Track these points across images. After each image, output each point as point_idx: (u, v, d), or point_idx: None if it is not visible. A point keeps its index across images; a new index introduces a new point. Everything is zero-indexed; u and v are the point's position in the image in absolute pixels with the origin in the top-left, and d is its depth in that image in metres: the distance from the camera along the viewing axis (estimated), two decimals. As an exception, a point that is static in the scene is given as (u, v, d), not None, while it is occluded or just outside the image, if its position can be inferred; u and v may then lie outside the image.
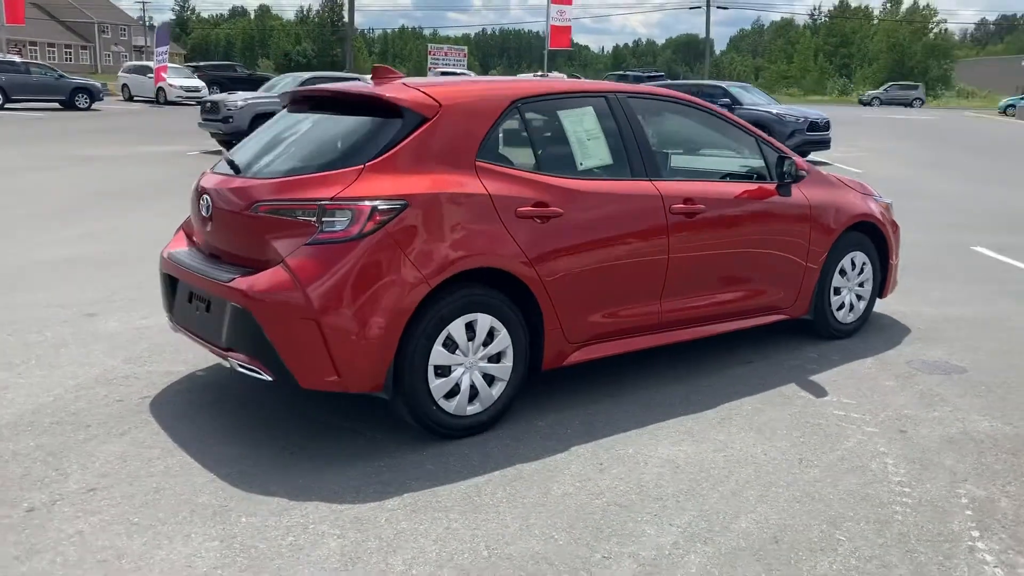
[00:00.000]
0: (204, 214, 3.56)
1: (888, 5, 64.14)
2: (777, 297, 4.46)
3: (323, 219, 3.17)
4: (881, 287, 5.02)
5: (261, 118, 12.40)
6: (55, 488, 2.94)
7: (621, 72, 41.13)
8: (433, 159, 3.31)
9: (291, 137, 3.75)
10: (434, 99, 3.42)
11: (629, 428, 3.55)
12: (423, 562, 2.53)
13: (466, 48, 38.31)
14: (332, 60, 77.24)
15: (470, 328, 3.30)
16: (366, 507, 2.85)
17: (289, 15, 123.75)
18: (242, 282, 3.22)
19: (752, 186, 4.32)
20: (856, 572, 2.52)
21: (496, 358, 3.40)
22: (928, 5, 58.05)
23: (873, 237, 4.87)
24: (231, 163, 3.67)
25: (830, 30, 72.99)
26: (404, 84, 3.65)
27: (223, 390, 3.92)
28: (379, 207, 3.14)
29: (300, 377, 3.18)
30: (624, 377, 4.13)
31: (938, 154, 18.73)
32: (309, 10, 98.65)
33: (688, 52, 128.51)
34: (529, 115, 3.69)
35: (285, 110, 4.00)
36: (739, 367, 4.34)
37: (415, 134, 3.34)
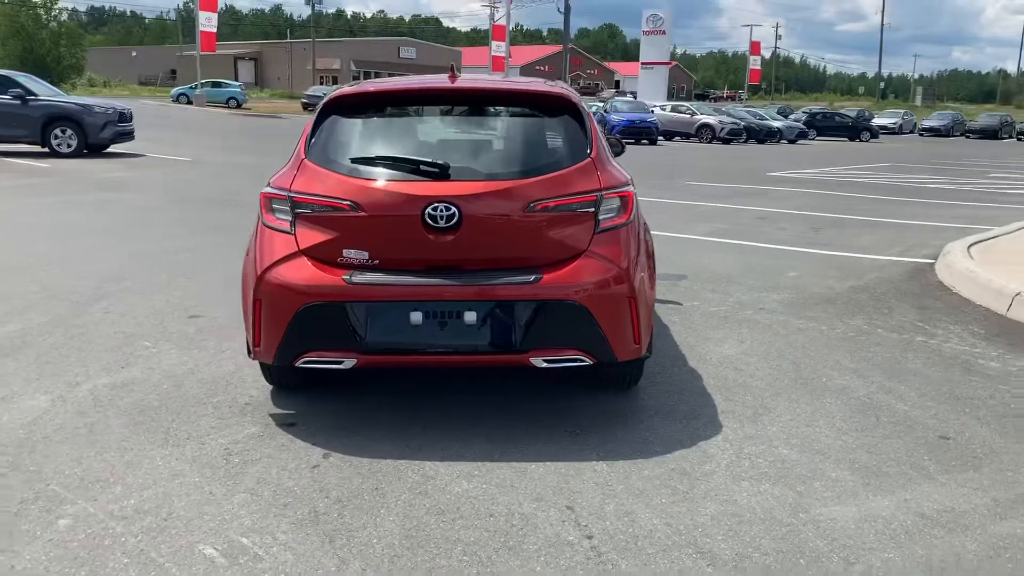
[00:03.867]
0: (441, 224, 3.49)
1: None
2: None
3: (600, 209, 3.64)
4: None
5: None
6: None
7: None
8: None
9: (464, 136, 3.99)
10: (574, 94, 4.03)
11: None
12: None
13: None
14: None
15: None
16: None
17: None
18: (562, 279, 3.50)
19: None
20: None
21: None
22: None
23: None
24: (430, 171, 3.58)
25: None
26: (543, 82, 4.22)
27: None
28: (633, 191, 3.81)
29: (618, 352, 3.60)
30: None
31: (212, 140, 21.36)
32: None
33: None
34: None
35: (382, 111, 3.96)
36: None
37: (592, 126, 3.86)
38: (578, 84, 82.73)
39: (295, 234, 3.61)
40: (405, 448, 3.52)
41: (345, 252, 3.55)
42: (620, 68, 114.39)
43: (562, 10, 55.83)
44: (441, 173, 3.59)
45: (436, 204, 3.48)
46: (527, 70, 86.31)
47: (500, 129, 4.00)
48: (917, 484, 3.28)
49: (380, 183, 3.59)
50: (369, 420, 3.83)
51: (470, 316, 3.50)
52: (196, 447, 3.52)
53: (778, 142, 35.22)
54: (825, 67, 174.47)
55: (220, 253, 7.40)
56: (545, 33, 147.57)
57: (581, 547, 2.79)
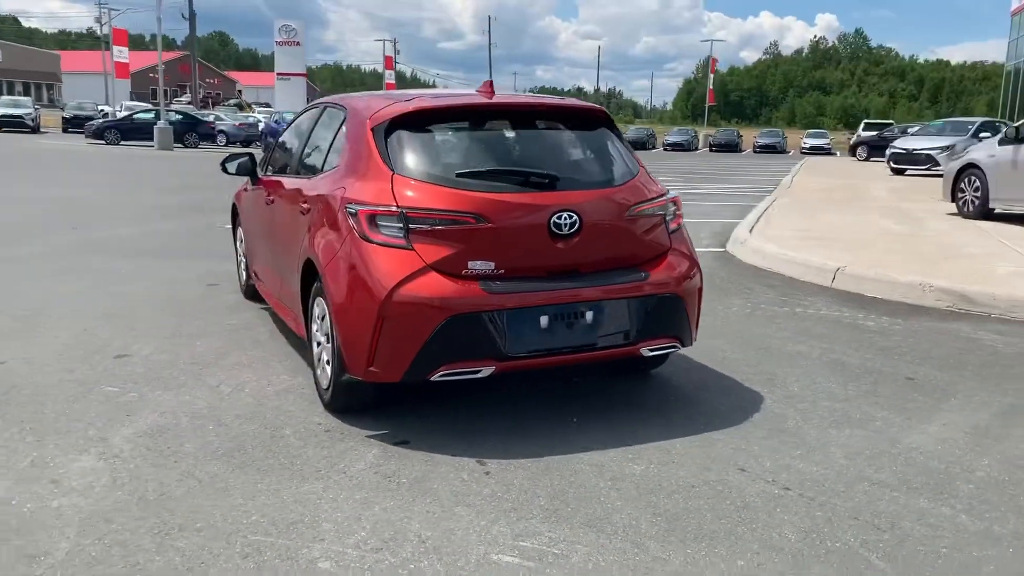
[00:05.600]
0: (564, 232, 3.70)
1: None
2: None
3: (668, 213, 4.12)
4: None
5: None
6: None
7: None
8: None
9: (536, 148, 4.16)
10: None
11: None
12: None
13: None
14: None
15: None
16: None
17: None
18: (669, 274, 3.96)
19: None
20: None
21: None
22: None
23: None
24: (540, 182, 3.81)
25: None
26: (577, 100, 4.34)
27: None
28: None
29: (694, 336, 4.15)
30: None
31: None
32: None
33: None
34: None
35: (450, 125, 4.04)
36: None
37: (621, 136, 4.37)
38: (201, 94, 78.83)
39: (415, 249, 3.59)
40: (541, 447, 3.69)
41: (470, 264, 3.63)
42: (241, 78, 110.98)
43: (187, 16, 53.33)
44: (550, 183, 3.84)
45: (560, 212, 3.72)
46: (140, 78, 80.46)
47: (566, 142, 4.27)
48: (937, 409, 4.25)
49: (504, 195, 3.71)
50: (466, 427, 3.91)
51: (591, 315, 3.79)
52: (342, 476, 3.37)
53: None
54: (434, 82, 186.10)
55: None
56: (148, 39, 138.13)
57: (790, 495, 3.28)
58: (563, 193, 3.81)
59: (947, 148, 21.87)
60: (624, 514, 3.10)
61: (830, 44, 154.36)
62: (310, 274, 4.17)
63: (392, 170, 3.76)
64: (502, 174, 3.83)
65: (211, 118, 36.26)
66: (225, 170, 5.77)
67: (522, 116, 4.28)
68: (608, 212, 3.88)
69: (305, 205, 4.24)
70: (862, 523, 3.07)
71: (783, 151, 48.73)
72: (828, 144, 48.02)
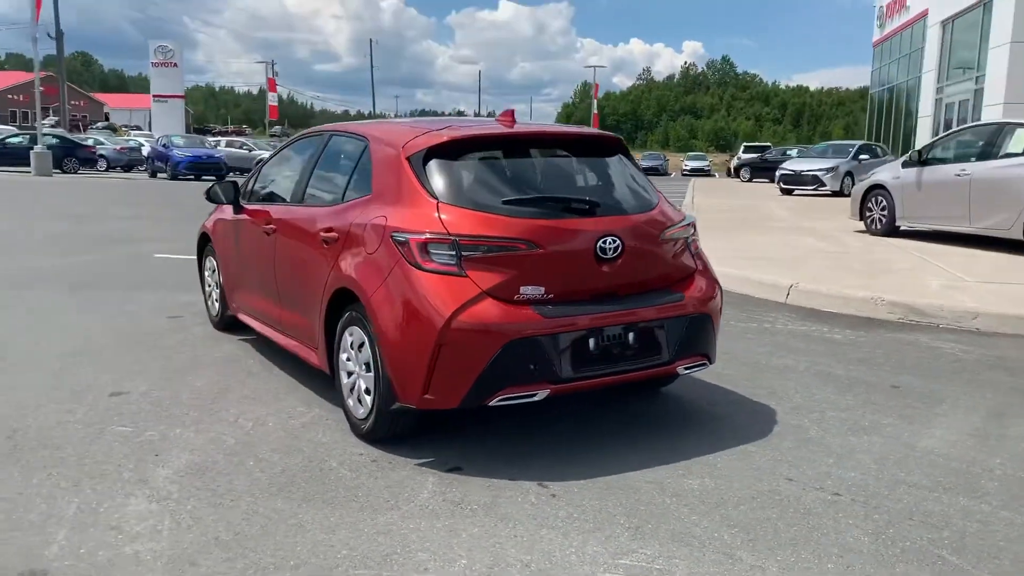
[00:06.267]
0: (609, 256, 3.84)
1: None
2: None
3: (689, 236, 4.30)
4: None
5: None
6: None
7: None
8: None
9: (568, 175, 4.31)
10: None
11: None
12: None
13: None
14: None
15: None
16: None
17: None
18: (698, 295, 4.14)
19: None
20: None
21: None
22: None
23: None
24: (581, 208, 3.94)
25: None
26: (587, 127, 4.42)
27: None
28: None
29: (715, 353, 4.34)
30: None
31: None
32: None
33: None
34: None
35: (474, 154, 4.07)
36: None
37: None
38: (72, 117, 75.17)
39: (469, 276, 3.64)
40: (590, 467, 3.78)
41: (522, 289, 3.70)
42: (109, 100, 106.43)
43: (53, 35, 51.09)
44: (590, 209, 3.98)
45: (605, 237, 3.86)
46: (-1, 99, 76.22)
47: (593, 169, 4.42)
48: (933, 414, 4.57)
49: (553, 221, 3.81)
50: (511, 451, 3.96)
51: (635, 336, 3.93)
52: (411, 506, 3.37)
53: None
54: (312, 104, 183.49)
55: None
56: (3, 58, 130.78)
57: (843, 500, 3.48)
58: (605, 219, 3.96)
59: (832, 169, 23.43)
60: (702, 528, 3.22)
61: (700, 70, 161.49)
62: (338, 303, 4.13)
63: (436, 199, 3.80)
64: (546, 201, 3.94)
65: (90, 142, 34.63)
66: (211, 199, 5.64)
67: (548, 144, 4.45)
68: (644, 236, 4.04)
69: (331, 234, 4.19)
70: (918, 523, 3.29)
71: (665, 173, 50.82)
72: (708, 166, 50.79)
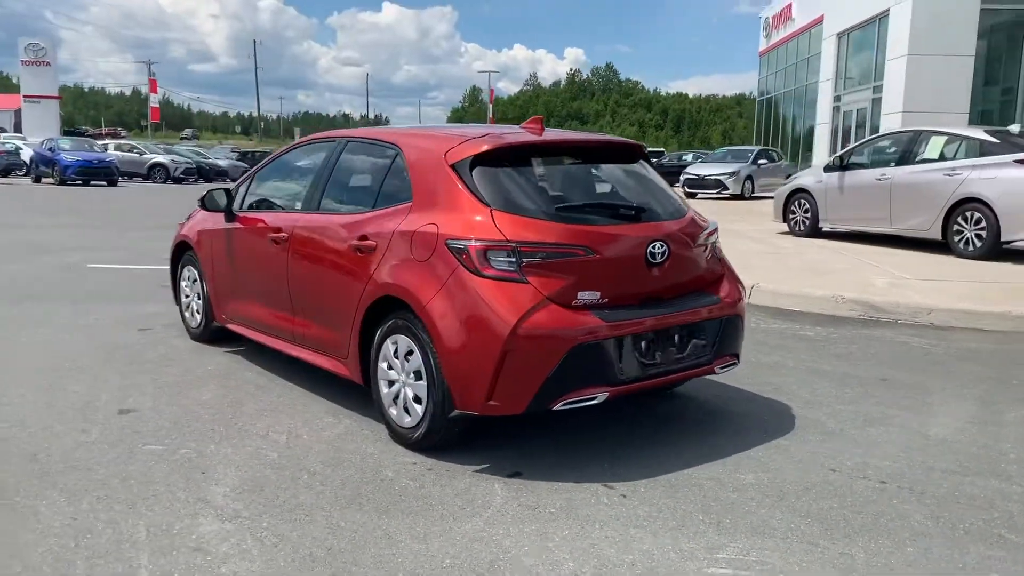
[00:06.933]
0: (657, 260, 3.96)
1: None
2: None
3: (715, 240, 4.46)
4: None
5: None
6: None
7: None
8: None
9: (608, 181, 4.49)
10: None
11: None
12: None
13: None
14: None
15: None
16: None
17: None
18: (730, 297, 4.30)
19: None
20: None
21: None
22: None
23: None
24: (628, 214, 4.09)
25: None
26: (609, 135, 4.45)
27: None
28: None
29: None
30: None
31: None
32: None
33: None
34: None
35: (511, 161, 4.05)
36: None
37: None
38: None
39: (530, 282, 3.67)
40: (646, 467, 3.88)
41: (579, 294, 3.76)
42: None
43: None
44: (637, 215, 4.11)
45: (654, 242, 3.98)
46: None
47: (627, 175, 4.54)
48: (928, 404, 4.88)
49: (607, 227, 3.92)
50: (563, 454, 4.02)
51: (681, 337, 4.06)
52: (492, 512, 3.38)
53: (225, 180, 35.66)
54: (189, 105, 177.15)
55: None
56: None
57: (891, 487, 3.69)
58: (652, 224, 4.09)
59: (734, 174, 24.38)
60: (777, 519, 3.36)
61: (585, 77, 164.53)
62: (376, 313, 4.08)
63: (488, 205, 3.81)
64: (597, 207, 4.05)
65: (-37, 146, 32.48)
66: (204, 206, 5.46)
67: (581, 152, 4.54)
68: (684, 241, 4.18)
69: (367, 243, 4.13)
70: (966, 506, 3.53)
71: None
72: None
